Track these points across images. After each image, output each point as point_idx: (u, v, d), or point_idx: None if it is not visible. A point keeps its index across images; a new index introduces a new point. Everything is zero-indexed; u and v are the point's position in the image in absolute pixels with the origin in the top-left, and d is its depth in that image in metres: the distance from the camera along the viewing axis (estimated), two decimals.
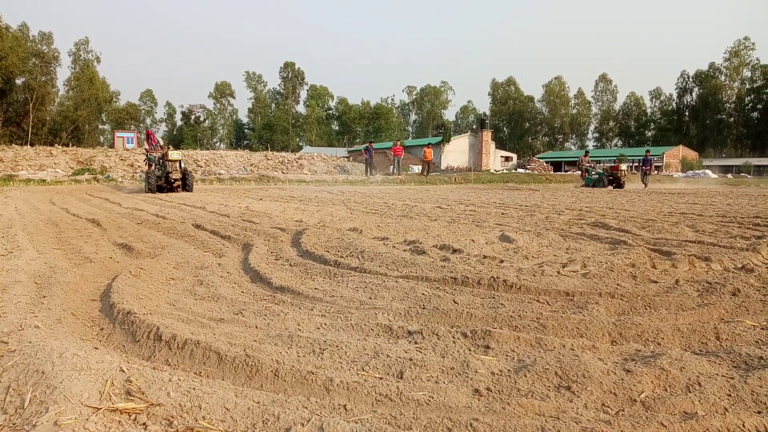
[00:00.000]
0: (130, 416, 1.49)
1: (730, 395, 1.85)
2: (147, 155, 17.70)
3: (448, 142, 49.55)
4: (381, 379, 2.00)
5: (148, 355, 2.17)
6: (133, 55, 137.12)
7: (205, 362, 2.03)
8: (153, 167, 16.67)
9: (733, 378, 1.96)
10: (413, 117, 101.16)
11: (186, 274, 3.98)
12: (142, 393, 1.60)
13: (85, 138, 60.30)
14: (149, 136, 18.77)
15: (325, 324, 2.70)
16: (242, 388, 1.81)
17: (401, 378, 2.01)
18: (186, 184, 16.02)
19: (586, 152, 28.58)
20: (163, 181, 15.73)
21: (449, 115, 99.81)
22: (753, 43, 77.82)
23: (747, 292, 3.30)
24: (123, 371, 1.72)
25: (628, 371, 1.99)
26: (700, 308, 2.98)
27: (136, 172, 25.53)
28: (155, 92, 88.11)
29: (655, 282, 3.66)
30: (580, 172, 26.97)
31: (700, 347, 2.42)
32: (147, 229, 6.70)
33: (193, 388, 1.65)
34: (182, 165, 16.28)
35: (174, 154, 15.84)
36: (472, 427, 1.58)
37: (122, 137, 40.77)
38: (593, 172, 25.42)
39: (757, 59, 77.93)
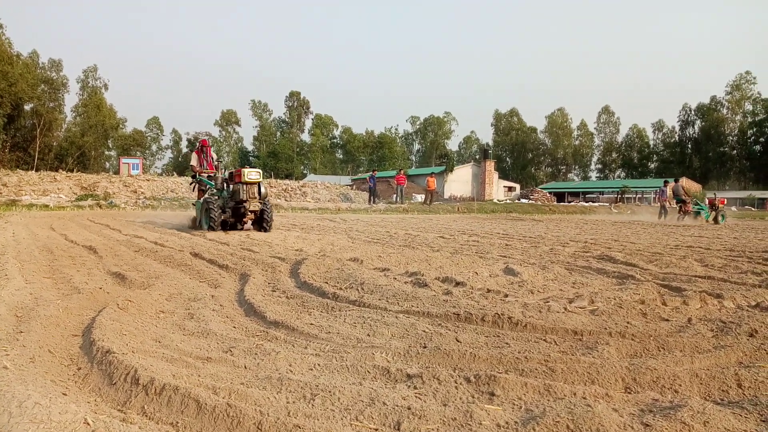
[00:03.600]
0: None
1: None
2: (195, 176, 12.24)
3: (451, 171, 49.71)
4: (376, 430, 1.83)
5: (123, 401, 2.00)
6: (140, 83, 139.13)
7: (183, 411, 1.86)
8: (209, 193, 11.28)
9: None
10: (416, 146, 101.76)
11: (177, 306, 3.82)
12: None
13: (90, 164, 60.58)
14: (203, 147, 12.71)
15: (319, 365, 2.53)
16: None
17: (398, 429, 1.85)
18: (264, 219, 10.53)
19: (666, 182, 24.43)
20: (230, 214, 10.51)
21: (452, 145, 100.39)
22: (754, 77, 78.64)
23: (765, 333, 3.13)
24: (87, 424, 1.56)
25: (647, 425, 1.82)
26: (717, 350, 2.81)
27: (139, 198, 25.49)
28: (162, 119, 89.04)
29: (667, 320, 3.49)
30: (665, 205, 23.16)
31: (722, 396, 2.25)
32: (143, 257, 6.56)
33: None
34: (263, 190, 10.60)
35: (252, 173, 10.44)
36: None
37: (128, 163, 40.84)
38: (694, 206, 22.29)
39: (759, 93, 78.61)
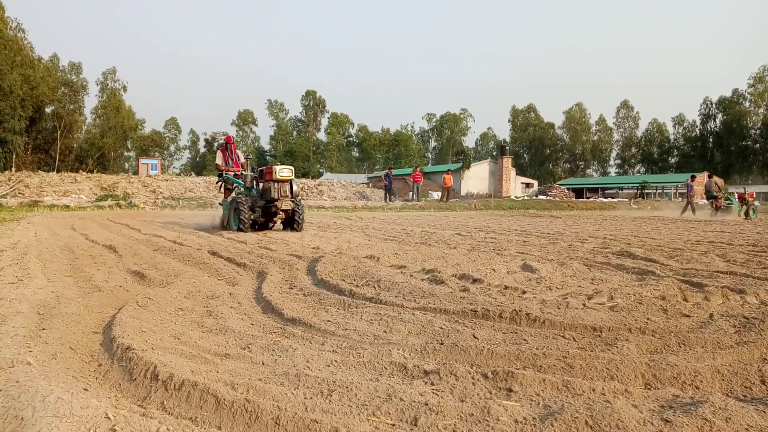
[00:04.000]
0: None
1: None
2: (221, 175, 11.70)
3: (468, 168, 49.47)
4: (393, 426, 1.83)
5: (143, 396, 2.03)
6: (158, 84, 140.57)
7: (202, 406, 1.88)
8: (237, 192, 10.96)
9: None
10: (433, 144, 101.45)
11: (196, 304, 3.86)
12: None
13: (110, 165, 61.46)
14: (228, 144, 12.14)
15: (336, 361, 2.54)
16: None
17: (415, 425, 1.84)
18: (295, 220, 10.12)
19: (693, 177, 23.52)
20: (260, 213, 10.03)
21: (469, 141, 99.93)
22: None
23: None
24: (108, 419, 1.59)
25: (667, 421, 1.79)
26: (740, 346, 2.76)
27: (158, 198, 25.78)
28: (179, 120, 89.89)
29: (688, 316, 3.44)
30: (691, 201, 22.77)
31: (744, 392, 2.21)
32: (162, 256, 6.63)
33: None
34: (294, 188, 10.18)
35: (284, 171, 10.00)
36: None
37: (146, 164, 41.30)
38: (725, 201, 21.99)
39: None
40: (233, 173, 11.61)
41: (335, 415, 1.88)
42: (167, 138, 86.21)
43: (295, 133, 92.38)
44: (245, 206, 9.77)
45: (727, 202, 22.08)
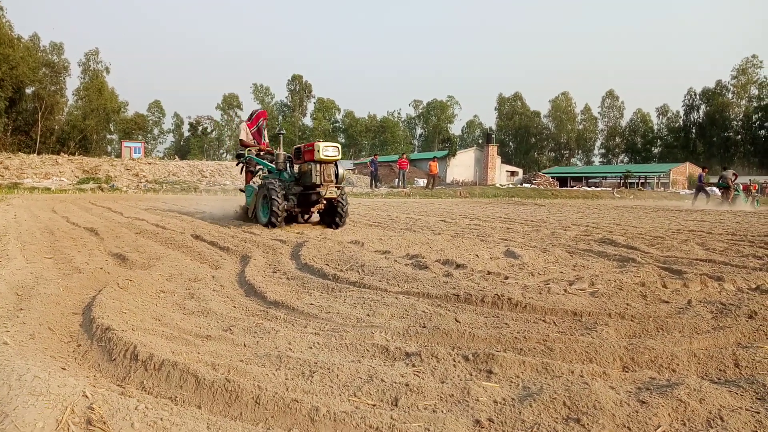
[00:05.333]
0: None
1: None
2: (242, 156, 9.44)
3: (454, 155, 49.50)
4: (374, 406, 1.84)
5: (122, 376, 2.02)
6: (142, 66, 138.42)
7: (182, 386, 1.87)
8: (260, 176, 9.22)
9: (758, 412, 1.79)
10: (419, 131, 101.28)
11: (178, 286, 3.84)
12: (104, 423, 1.44)
13: (92, 147, 60.54)
14: (256, 119, 10.06)
15: (318, 343, 2.54)
16: (217, 417, 1.65)
17: (396, 406, 1.85)
18: (337, 212, 7.99)
19: (705, 168, 24.60)
20: (295, 203, 7.88)
21: (455, 129, 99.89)
22: (761, 61, 77.83)
23: (764, 315, 3.12)
24: (86, 397, 1.57)
25: (643, 402, 1.82)
26: (716, 331, 2.81)
27: (141, 182, 25.49)
28: (163, 103, 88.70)
29: (667, 302, 3.49)
30: (714, 191, 23.30)
31: (719, 375, 2.25)
32: (145, 239, 6.57)
33: (161, 418, 1.50)
34: (340, 172, 8.00)
35: (329, 149, 7.70)
36: None
37: (129, 147, 40.79)
38: (735, 192, 22.64)
39: (765, 77, 77.95)
40: (257, 152, 9.49)
41: (316, 395, 1.89)
42: (151, 121, 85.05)
43: (280, 117, 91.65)
44: (278, 194, 7.58)
45: (735, 193, 22.67)
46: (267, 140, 10.14)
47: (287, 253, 5.48)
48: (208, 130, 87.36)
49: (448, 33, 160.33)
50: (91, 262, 4.54)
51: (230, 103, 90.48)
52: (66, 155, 32.05)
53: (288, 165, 8.54)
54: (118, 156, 40.56)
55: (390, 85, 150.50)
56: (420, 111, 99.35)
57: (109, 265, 4.53)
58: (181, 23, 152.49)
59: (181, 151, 76.12)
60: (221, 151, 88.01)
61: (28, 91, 55.46)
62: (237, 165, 10.11)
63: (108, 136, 71.45)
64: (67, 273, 4.01)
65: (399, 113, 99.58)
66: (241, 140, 9.90)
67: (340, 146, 7.86)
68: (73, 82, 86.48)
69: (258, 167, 9.35)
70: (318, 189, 7.67)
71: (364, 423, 1.62)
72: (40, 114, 55.43)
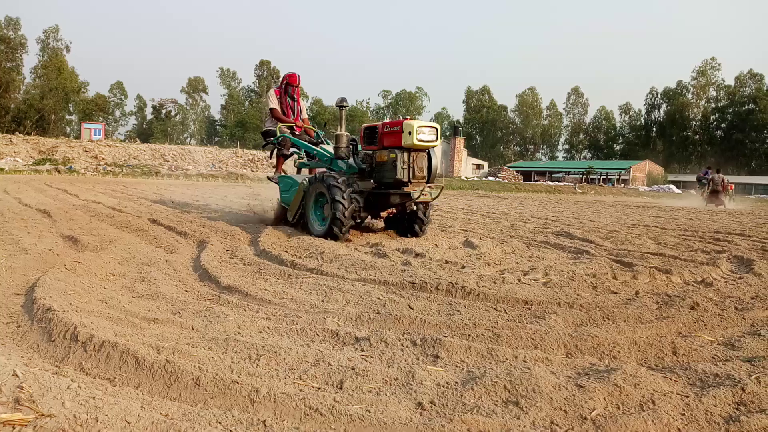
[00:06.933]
0: (14, 429, 1.30)
1: (684, 414, 1.75)
2: (273, 137, 7.15)
3: None
4: (318, 389, 1.84)
5: (61, 357, 1.97)
6: (104, 46, 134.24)
7: (121, 367, 1.84)
8: (298, 161, 7.12)
9: (687, 396, 1.86)
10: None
11: (129, 270, 3.76)
12: (33, 402, 1.41)
13: (50, 128, 58.55)
14: (288, 86, 7.50)
15: (269, 328, 2.53)
16: (153, 398, 1.63)
17: (340, 389, 1.86)
18: (418, 218, 5.99)
19: (710, 169, 24.22)
20: (360, 206, 5.55)
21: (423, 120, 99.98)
22: (719, 64, 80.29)
23: (705, 306, 3.24)
24: (16, 376, 1.53)
25: (581, 386, 1.88)
26: (659, 321, 2.91)
27: (100, 164, 24.82)
28: (126, 84, 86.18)
29: (615, 293, 3.59)
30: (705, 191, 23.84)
31: (656, 362, 2.33)
32: (99, 222, 6.41)
33: (93, 397, 1.47)
34: (434, 163, 5.75)
35: (425, 130, 5.41)
36: None
37: (89, 129, 39.59)
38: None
39: (722, 79, 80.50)
40: (291, 130, 7.27)
41: (260, 378, 1.88)
42: (112, 103, 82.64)
43: (247, 103, 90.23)
44: (344, 194, 5.40)
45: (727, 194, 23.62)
46: (304, 113, 7.76)
47: (246, 239, 5.42)
48: (172, 113, 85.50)
49: (419, 24, 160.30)
50: (40, 244, 4.40)
51: (195, 86, 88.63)
52: (21, 135, 30.91)
53: (352, 151, 6.14)
54: (77, 137, 39.32)
55: (359, 75, 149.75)
56: (389, 101, 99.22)
57: (59, 246, 4.41)
58: (145, 2, 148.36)
59: (144, 134, 74.19)
60: (185, 135, 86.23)
61: None
62: (264, 147, 7.72)
63: (67, 117, 69.27)
64: (13, 254, 3.88)
65: (368, 103, 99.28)
66: (271, 110, 7.45)
67: (439, 128, 5.70)
68: (30, 60, 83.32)
69: (290, 151, 7.16)
70: (404, 189, 5.48)
71: (304, 404, 1.62)
72: None
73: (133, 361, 1.83)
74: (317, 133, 7.40)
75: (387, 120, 5.77)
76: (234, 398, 1.65)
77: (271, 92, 7.62)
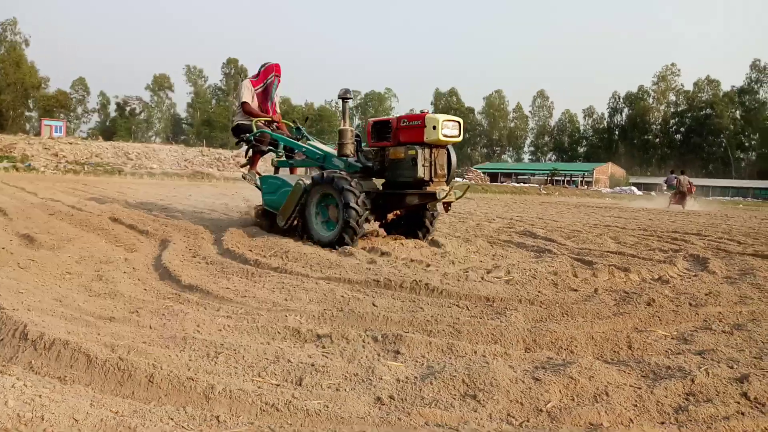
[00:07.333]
0: None
1: (636, 405, 1.80)
2: (247, 131, 6.42)
3: None
4: (277, 386, 1.83)
5: (9, 357, 1.91)
6: (65, 41, 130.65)
7: (72, 366, 1.79)
8: (277, 158, 6.42)
9: (640, 388, 1.91)
10: (357, 122, 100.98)
11: (86, 268, 3.66)
12: None
13: (8, 125, 56.73)
14: (267, 75, 6.74)
15: (229, 326, 2.50)
16: (104, 396, 1.60)
17: (299, 385, 1.85)
18: (423, 223, 5.71)
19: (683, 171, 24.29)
20: (373, 207, 5.23)
21: None
22: (679, 69, 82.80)
23: (661, 303, 3.33)
24: None
25: (537, 380, 1.91)
26: (616, 317, 2.98)
27: (60, 162, 24.13)
28: (88, 81, 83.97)
29: (575, 290, 3.67)
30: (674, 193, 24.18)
31: (612, 356, 2.39)
32: (58, 220, 6.23)
33: (40, 395, 1.43)
34: (453, 161, 5.43)
35: (449, 125, 4.98)
36: None
37: (50, 126, 38.46)
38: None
39: (682, 85, 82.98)
40: (267, 123, 6.56)
41: (218, 375, 1.86)
42: (74, 99, 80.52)
43: (214, 101, 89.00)
44: (359, 201, 4.89)
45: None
46: (278, 108, 7.04)
47: (209, 238, 5.34)
48: (137, 111, 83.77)
49: (387, 23, 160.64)
50: None
51: (161, 84, 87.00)
52: None
53: (356, 149, 5.63)
54: (38, 135, 38.20)
55: (328, 74, 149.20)
56: (358, 101, 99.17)
57: (13, 245, 4.27)
58: None
59: (107, 132, 72.43)
60: (150, 133, 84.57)
61: None
62: (237, 144, 6.98)
63: (27, 113, 67.25)
64: None
65: (337, 102, 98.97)
66: (243, 104, 6.66)
67: (462, 122, 5.24)
68: None
69: (265, 147, 6.45)
70: (425, 188, 5.05)
71: (261, 400, 1.61)
72: None
73: (85, 359, 1.79)
74: (298, 129, 6.67)
75: (403, 114, 5.37)
76: (189, 395, 1.63)
77: (247, 82, 6.82)
